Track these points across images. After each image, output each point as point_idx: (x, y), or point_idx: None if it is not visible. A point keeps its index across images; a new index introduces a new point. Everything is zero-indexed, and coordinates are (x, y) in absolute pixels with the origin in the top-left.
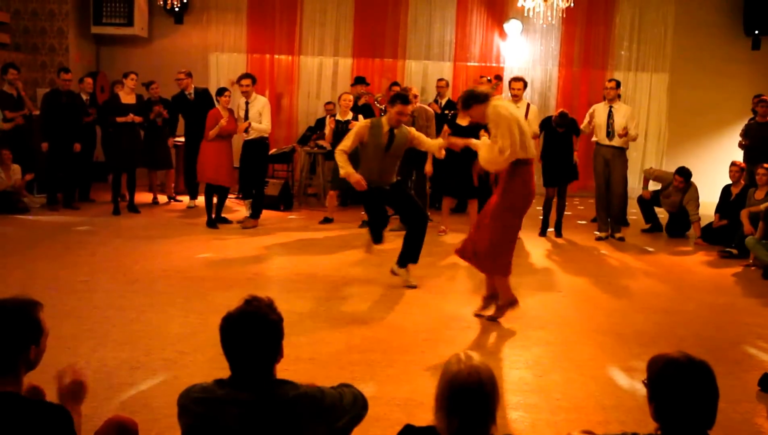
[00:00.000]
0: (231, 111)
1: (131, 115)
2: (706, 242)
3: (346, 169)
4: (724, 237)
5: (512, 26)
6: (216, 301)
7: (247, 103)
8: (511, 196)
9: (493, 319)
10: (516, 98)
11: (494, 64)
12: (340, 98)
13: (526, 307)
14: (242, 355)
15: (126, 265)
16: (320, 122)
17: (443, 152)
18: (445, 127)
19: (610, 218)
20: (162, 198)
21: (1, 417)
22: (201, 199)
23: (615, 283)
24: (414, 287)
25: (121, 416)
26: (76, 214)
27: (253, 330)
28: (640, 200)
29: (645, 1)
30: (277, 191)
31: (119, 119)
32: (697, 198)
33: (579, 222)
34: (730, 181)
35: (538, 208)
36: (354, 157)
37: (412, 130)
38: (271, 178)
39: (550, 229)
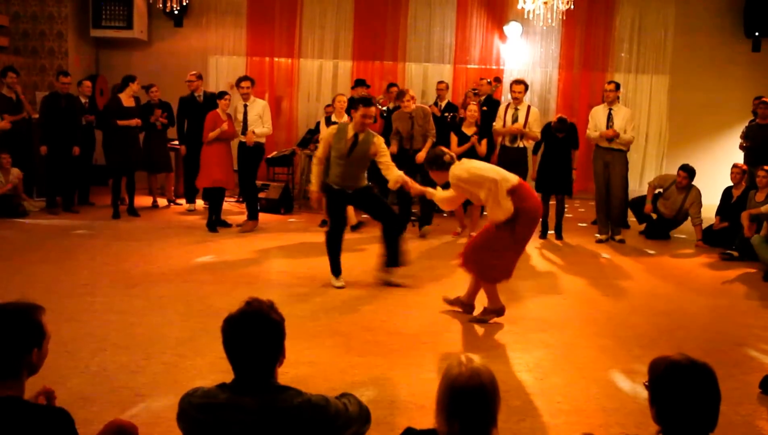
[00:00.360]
0: (229, 115)
1: (137, 119)
2: (706, 244)
3: (312, 180)
4: (725, 239)
5: (512, 28)
6: (216, 305)
7: (245, 106)
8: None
9: (475, 320)
10: (517, 101)
11: (494, 67)
12: (334, 100)
13: (526, 309)
14: (244, 356)
15: (126, 269)
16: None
17: (397, 186)
18: (452, 135)
19: (610, 220)
20: (162, 201)
21: (2, 421)
22: (200, 203)
23: (615, 285)
24: (399, 286)
25: (121, 420)
26: (76, 217)
27: (254, 330)
28: (632, 203)
29: (645, 3)
30: (277, 194)
31: (121, 122)
32: (700, 202)
33: (579, 224)
34: (730, 183)
35: None
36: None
37: (379, 142)
38: (271, 181)
39: (551, 232)
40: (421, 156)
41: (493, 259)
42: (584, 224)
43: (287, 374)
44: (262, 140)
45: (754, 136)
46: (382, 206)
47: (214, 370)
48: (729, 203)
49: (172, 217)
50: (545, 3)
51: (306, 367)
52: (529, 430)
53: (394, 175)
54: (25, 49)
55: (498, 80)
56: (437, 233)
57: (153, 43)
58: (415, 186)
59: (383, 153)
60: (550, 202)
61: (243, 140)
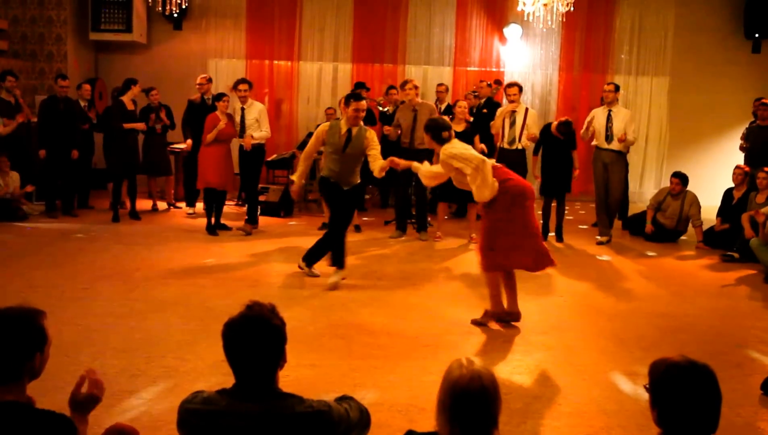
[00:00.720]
0: (230, 116)
1: (142, 123)
2: (707, 246)
3: (295, 175)
4: (726, 241)
5: (512, 31)
6: (216, 308)
7: (243, 109)
8: (492, 210)
9: (476, 322)
10: (513, 103)
11: (494, 69)
12: (340, 103)
13: (527, 311)
14: (245, 361)
15: (126, 273)
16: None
17: (383, 173)
18: None
19: (609, 219)
20: (161, 205)
21: (5, 426)
22: (200, 206)
23: (616, 287)
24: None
25: (121, 424)
26: (75, 221)
27: (255, 335)
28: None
29: (645, 5)
30: (277, 197)
31: (128, 125)
32: (699, 204)
33: (580, 226)
34: (730, 185)
35: (538, 212)
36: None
37: (371, 135)
38: (271, 184)
39: (551, 234)
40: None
41: (490, 244)
42: (585, 226)
43: (288, 377)
44: (263, 141)
45: (754, 137)
46: (344, 214)
47: (214, 373)
48: (730, 205)
49: (172, 221)
50: (545, 5)
51: (307, 370)
52: (530, 432)
53: (378, 164)
54: (24, 52)
55: (498, 82)
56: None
57: (152, 47)
58: (401, 162)
59: (373, 146)
60: (551, 205)
61: (241, 144)
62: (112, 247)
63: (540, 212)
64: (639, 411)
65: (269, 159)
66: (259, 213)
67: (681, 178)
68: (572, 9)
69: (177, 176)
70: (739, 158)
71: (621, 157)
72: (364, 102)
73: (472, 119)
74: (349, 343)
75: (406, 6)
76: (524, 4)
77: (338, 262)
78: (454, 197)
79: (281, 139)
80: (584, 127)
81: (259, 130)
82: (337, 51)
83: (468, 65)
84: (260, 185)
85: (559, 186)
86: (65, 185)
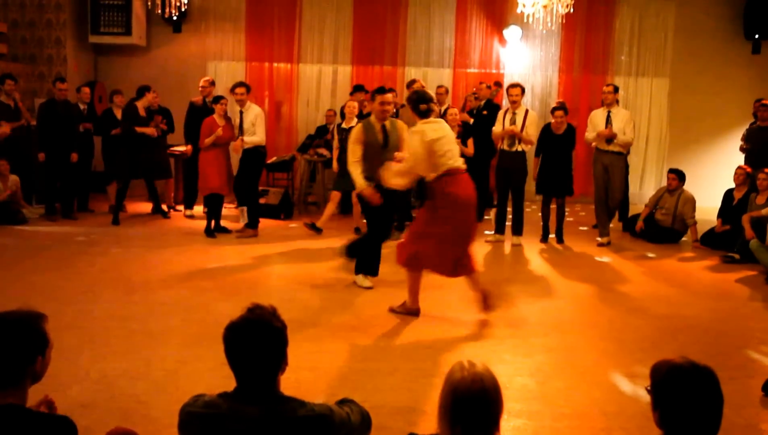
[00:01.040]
0: (229, 119)
1: (153, 129)
2: (704, 246)
3: (358, 183)
4: (726, 242)
5: (512, 32)
6: (217, 311)
7: (241, 112)
8: (431, 206)
9: (393, 310)
10: (515, 104)
11: (494, 71)
12: (344, 106)
13: (527, 313)
14: (247, 364)
15: (126, 276)
16: (320, 130)
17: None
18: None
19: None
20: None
21: (6, 429)
22: (198, 209)
23: (617, 289)
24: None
25: (122, 428)
26: (75, 224)
27: (257, 338)
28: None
29: (645, 6)
30: (277, 200)
31: (139, 129)
32: (694, 202)
33: (581, 228)
34: (731, 186)
35: (539, 214)
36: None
37: (402, 126)
38: (271, 186)
39: (552, 236)
40: None
41: (414, 243)
42: (585, 228)
43: (289, 379)
44: (262, 143)
45: (754, 138)
46: (388, 218)
47: (215, 375)
48: (730, 206)
49: (172, 224)
50: (545, 7)
51: (307, 372)
52: (532, 434)
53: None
54: (24, 55)
55: (498, 84)
56: None
57: (152, 49)
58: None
59: (406, 136)
60: (552, 206)
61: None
62: (112, 250)
63: (540, 214)
64: (640, 412)
65: (269, 162)
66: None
67: (677, 174)
68: (572, 10)
69: (176, 179)
70: (740, 159)
71: (621, 158)
72: (389, 95)
73: (472, 121)
74: (350, 346)
75: (406, 8)
76: (524, 5)
77: (371, 269)
78: None
79: (281, 141)
80: (588, 130)
81: (252, 134)
82: (337, 53)
83: (468, 67)
84: (261, 188)
85: (559, 186)
86: (65, 188)
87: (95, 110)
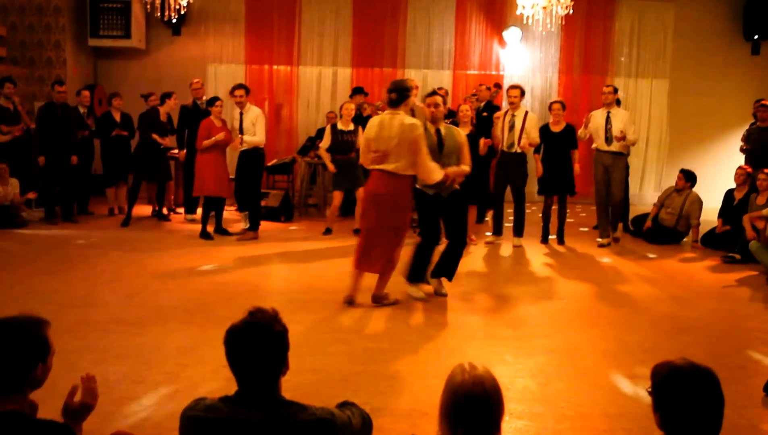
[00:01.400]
0: (224, 121)
1: (167, 141)
2: (703, 246)
3: (437, 172)
4: (727, 242)
5: (511, 34)
6: (217, 314)
7: (241, 114)
8: None
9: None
10: (513, 106)
11: (494, 72)
12: (341, 108)
13: (528, 315)
14: (248, 368)
15: (126, 278)
16: (321, 132)
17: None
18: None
19: (609, 222)
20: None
21: None
22: (200, 212)
23: (618, 290)
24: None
25: (123, 431)
26: (75, 227)
27: (258, 342)
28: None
29: (644, 8)
30: (277, 202)
31: (155, 136)
32: (701, 204)
33: (581, 229)
34: (731, 186)
35: (539, 214)
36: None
37: (459, 131)
38: (271, 188)
39: (552, 237)
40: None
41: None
42: (586, 229)
43: (290, 382)
44: (262, 143)
45: (754, 139)
46: (462, 223)
47: (216, 378)
48: (731, 206)
49: (172, 227)
50: (544, 8)
51: (309, 374)
52: None
53: (452, 169)
54: (23, 59)
55: (498, 86)
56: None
57: (151, 52)
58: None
59: (464, 142)
60: (553, 207)
61: (241, 149)
62: (112, 253)
63: (541, 215)
64: (642, 413)
65: (269, 164)
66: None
67: (685, 175)
68: (571, 12)
69: (177, 181)
70: (740, 160)
71: (621, 158)
72: (437, 96)
73: (475, 121)
74: (351, 348)
75: (405, 10)
76: (523, 7)
77: (422, 277)
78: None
79: (281, 144)
80: (583, 126)
81: (253, 134)
82: (337, 55)
83: (468, 69)
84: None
85: (560, 186)
86: (65, 191)
87: (95, 113)
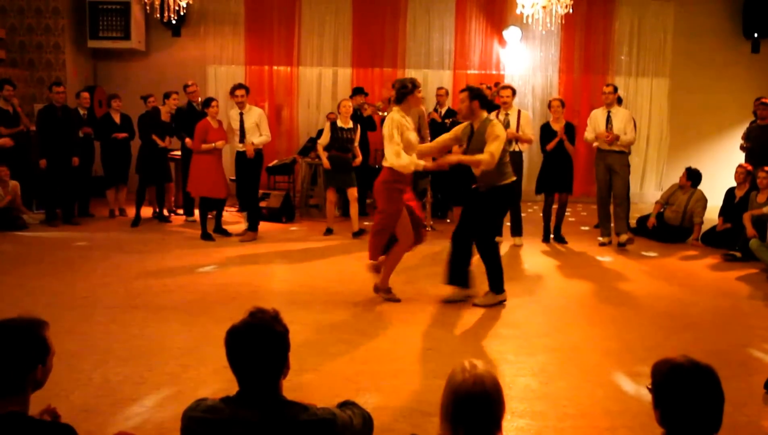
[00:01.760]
0: (220, 122)
1: (168, 141)
2: (705, 244)
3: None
4: (728, 240)
5: (511, 33)
6: (218, 314)
7: (241, 114)
8: None
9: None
10: (506, 105)
11: (494, 72)
12: (339, 105)
13: (530, 313)
14: (249, 369)
15: (127, 280)
16: (321, 133)
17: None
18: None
19: (613, 223)
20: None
21: None
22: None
23: (619, 288)
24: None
25: (125, 432)
26: (76, 229)
27: (258, 342)
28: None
29: (644, 7)
30: (278, 203)
31: (155, 138)
32: (705, 202)
33: (582, 228)
34: (732, 184)
35: (540, 214)
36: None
37: (492, 128)
38: (272, 189)
39: (553, 236)
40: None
41: None
42: (587, 228)
43: (291, 382)
44: (269, 140)
45: (755, 137)
46: (481, 216)
47: (217, 379)
48: (732, 204)
49: (173, 228)
50: (544, 7)
51: (310, 374)
52: (535, 434)
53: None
54: (22, 61)
55: (498, 85)
56: (436, 237)
57: (151, 54)
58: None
59: (491, 141)
60: (553, 206)
61: (241, 150)
62: (112, 254)
63: (542, 214)
64: (643, 411)
65: (270, 165)
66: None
67: (689, 173)
68: (571, 11)
69: (177, 183)
70: (740, 158)
71: (623, 157)
72: (463, 93)
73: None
74: (352, 348)
75: (405, 10)
76: (523, 6)
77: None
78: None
79: (282, 144)
80: (588, 129)
81: (258, 135)
82: (337, 56)
83: (468, 68)
84: (262, 191)
85: (561, 182)
86: (66, 193)
87: (95, 115)
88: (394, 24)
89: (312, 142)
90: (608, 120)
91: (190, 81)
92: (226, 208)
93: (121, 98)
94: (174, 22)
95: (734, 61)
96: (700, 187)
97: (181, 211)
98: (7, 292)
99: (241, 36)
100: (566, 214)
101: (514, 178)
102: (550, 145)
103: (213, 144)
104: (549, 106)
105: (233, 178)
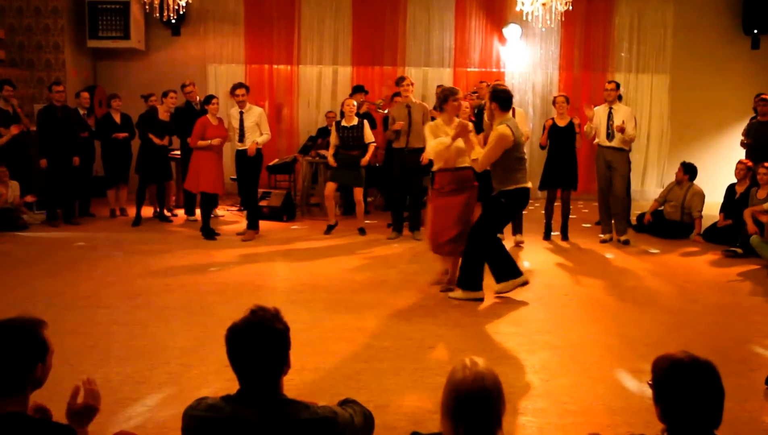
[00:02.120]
0: (220, 119)
1: (166, 141)
2: (706, 240)
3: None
4: (729, 236)
5: (511, 31)
6: (220, 314)
7: (241, 113)
8: None
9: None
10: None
11: (494, 69)
12: (343, 105)
13: (531, 310)
14: (249, 366)
15: (128, 280)
16: (322, 132)
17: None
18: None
19: (614, 220)
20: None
21: None
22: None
23: (620, 285)
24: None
25: (126, 432)
26: (77, 229)
27: (259, 340)
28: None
29: (644, 3)
30: (279, 202)
31: (152, 136)
32: (702, 196)
33: (584, 225)
34: (733, 181)
35: (542, 211)
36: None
37: (493, 133)
38: (273, 188)
39: (555, 233)
40: (425, 157)
41: None
42: (588, 225)
43: (292, 381)
44: (269, 138)
45: (755, 133)
46: (486, 219)
47: (219, 378)
48: (732, 200)
49: (173, 228)
50: (544, 4)
51: (311, 373)
52: (537, 431)
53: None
54: (22, 61)
55: (496, 82)
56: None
57: (151, 53)
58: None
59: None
60: (555, 203)
61: (241, 148)
62: (113, 254)
63: (543, 212)
64: (645, 408)
65: (271, 164)
66: (260, 218)
67: (685, 168)
68: (571, 8)
69: (177, 183)
70: (741, 154)
71: (623, 154)
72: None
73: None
74: (354, 346)
75: (405, 8)
76: (523, 3)
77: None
78: None
79: (282, 143)
80: (587, 124)
81: (259, 134)
82: (337, 54)
83: (468, 66)
84: (262, 190)
85: (563, 180)
86: (66, 193)
87: (95, 115)
88: (394, 22)
89: (312, 141)
90: (609, 116)
91: (188, 81)
92: (226, 207)
93: (121, 98)
94: (174, 21)
95: (734, 57)
96: (697, 182)
97: (177, 212)
98: (8, 292)
99: (241, 35)
100: (569, 209)
101: (523, 186)
102: (543, 140)
103: (209, 141)
104: (554, 102)
105: (234, 177)
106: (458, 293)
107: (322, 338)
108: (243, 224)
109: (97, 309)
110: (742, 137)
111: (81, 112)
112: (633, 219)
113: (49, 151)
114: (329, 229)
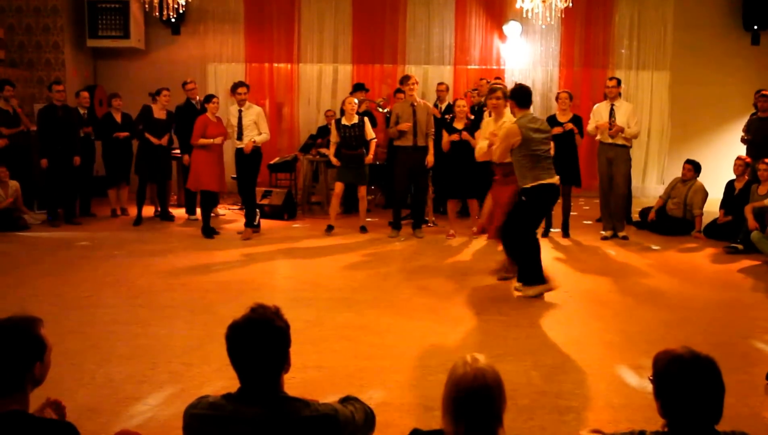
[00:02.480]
0: (219, 118)
1: (163, 139)
2: (706, 237)
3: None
4: (729, 232)
5: (511, 28)
6: (221, 313)
7: (240, 111)
8: None
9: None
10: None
11: (495, 67)
12: (343, 103)
13: (532, 307)
14: (249, 364)
15: (129, 279)
16: (322, 130)
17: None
18: (444, 133)
19: (614, 217)
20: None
21: None
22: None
23: (621, 281)
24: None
25: (128, 431)
26: (78, 229)
27: (259, 337)
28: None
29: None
30: (280, 200)
31: (147, 135)
32: (705, 194)
33: (585, 222)
34: (733, 177)
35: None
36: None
37: (502, 128)
38: (274, 187)
39: (555, 230)
40: (430, 159)
41: None
42: (589, 222)
43: (294, 379)
44: (268, 138)
45: (755, 129)
46: (514, 217)
47: (220, 377)
48: (732, 196)
49: (174, 227)
50: (544, 1)
51: (313, 371)
52: (538, 428)
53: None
54: (22, 61)
55: (499, 80)
56: (435, 233)
57: (150, 52)
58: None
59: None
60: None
61: (240, 146)
62: (114, 254)
63: None
64: (646, 404)
65: (272, 162)
66: (260, 216)
67: (693, 165)
68: (571, 5)
69: (178, 183)
70: (741, 150)
71: (625, 151)
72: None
73: (473, 117)
74: (355, 344)
75: (405, 6)
76: (523, 1)
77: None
78: (456, 193)
79: (283, 142)
80: (591, 122)
81: (257, 133)
82: (337, 52)
83: (468, 63)
84: (263, 189)
85: (565, 177)
86: (67, 193)
87: (95, 114)
88: (393, 20)
89: (313, 139)
90: (611, 113)
91: (189, 79)
92: (227, 206)
93: (122, 97)
94: (173, 20)
95: (734, 54)
96: (702, 178)
97: (179, 211)
98: (9, 292)
99: (241, 33)
100: (570, 205)
101: (543, 182)
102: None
103: (211, 139)
104: (557, 98)
105: (234, 175)
106: (525, 290)
107: (324, 336)
108: (243, 223)
109: (98, 308)
110: (742, 133)
111: (81, 111)
112: (635, 215)
113: (50, 151)
114: (329, 229)
